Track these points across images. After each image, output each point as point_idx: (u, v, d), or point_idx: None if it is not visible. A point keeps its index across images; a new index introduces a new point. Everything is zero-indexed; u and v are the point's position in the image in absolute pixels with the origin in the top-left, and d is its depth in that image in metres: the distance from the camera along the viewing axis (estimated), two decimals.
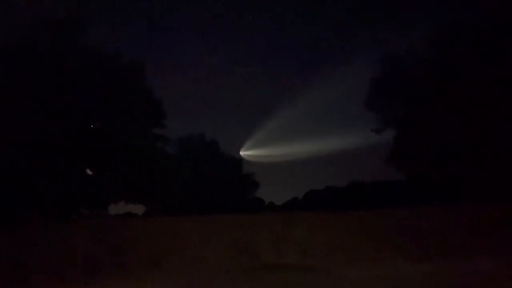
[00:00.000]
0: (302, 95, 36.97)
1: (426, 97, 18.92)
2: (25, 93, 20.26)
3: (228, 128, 41.92)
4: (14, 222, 15.82)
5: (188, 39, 43.24)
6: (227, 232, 14.46)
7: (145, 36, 40.58)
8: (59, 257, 12.69)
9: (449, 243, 15.39)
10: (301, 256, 14.06)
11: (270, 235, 14.51)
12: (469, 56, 17.87)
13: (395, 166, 20.68)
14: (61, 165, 19.77)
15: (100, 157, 22.11)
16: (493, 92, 17.10)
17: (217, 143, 30.29)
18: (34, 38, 20.79)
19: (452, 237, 15.82)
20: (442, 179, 20.26)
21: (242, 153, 35.84)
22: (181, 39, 43.47)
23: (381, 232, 14.80)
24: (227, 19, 44.16)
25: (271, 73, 45.91)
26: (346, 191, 35.86)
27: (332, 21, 40.68)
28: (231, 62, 44.93)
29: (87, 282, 11.71)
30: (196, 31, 43.26)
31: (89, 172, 22.61)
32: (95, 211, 25.61)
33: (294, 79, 51.35)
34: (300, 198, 40.05)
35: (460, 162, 18.46)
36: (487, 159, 17.75)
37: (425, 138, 18.79)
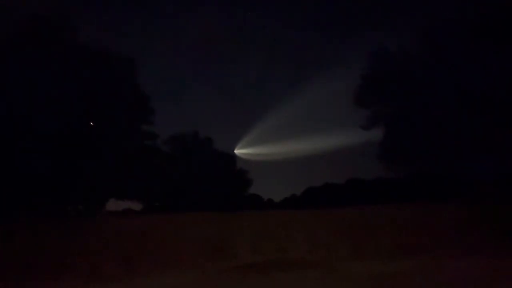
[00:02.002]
0: (297, 93, 36.68)
1: (415, 94, 18.52)
2: (15, 90, 20.31)
3: (222, 126, 41.99)
4: None
5: (182, 36, 43.11)
6: (203, 230, 14.29)
7: (139, 33, 40.48)
8: (26, 256, 12.60)
9: (438, 240, 15.21)
10: (279, 254, 13.85)
11: (247, 233, 14.31)
12: (459, 52, 17.40)
13: (385, 164, 20.29)
14: (46, 162, 19.73)
15: (88, 154, 22.05)
16: (483, 89, 16.63)
17: (211, 140, 30.14)
18: (22, 34, 20.71)
19: (441, 234, 15.62)
20: (430, 176, 19.91)
21: (237, 151, 35.61)
22: (175, 36, 43.40)
23: (361, 229, 14.53)
24: (222, 16, 43.87)
25: (263, 72, 45.79)
26: (344, 188, 35.57)
27: (322, 19, 40.27)
28: (223, 61, 45.00)
29: (52, 283, 11.58)
30: (191, 29, 43.13)
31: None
32: (91, 208, 25.76)
33: (288, 77, 51.14)
34: (299, 195, 39.90)
35: (448, 160, 18.04)
36: (476, 156, 17.29)
37: (414, 135, 18.40)
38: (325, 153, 38.28)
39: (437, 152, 18.23)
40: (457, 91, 17.48)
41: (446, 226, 16.56)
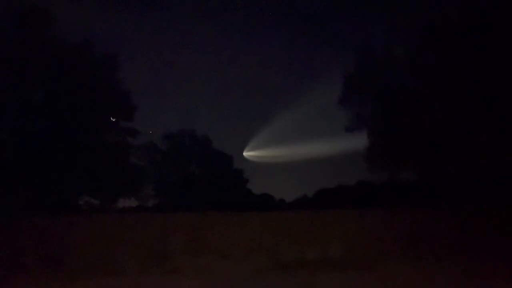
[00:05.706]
0: (299, 96, 35.57)
1: (402, 95, 16.79)
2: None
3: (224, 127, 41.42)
4: None
5: (185, 33, 42.77)
6: (140, 232, 13.33)
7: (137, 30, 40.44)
8: None
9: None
10: (218, 258, 12.67)
11: (184, 236, 13.19)
12: (446, 52, 15.61)
13: (372, 166, 18.61)
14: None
15: (72, 153, 21.93)
16: (470, 89, 14.73)
17: (208, 139, 29.20)
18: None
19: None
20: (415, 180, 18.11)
21: (245, 153, 34.91)
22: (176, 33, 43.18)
23: (305, 233, 13.12)
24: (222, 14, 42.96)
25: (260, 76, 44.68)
26: (354, 190, 34.38)
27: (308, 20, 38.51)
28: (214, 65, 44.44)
29: None
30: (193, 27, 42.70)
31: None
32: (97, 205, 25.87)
33: (289, 80, 49.82)
34: (311, 196, 39.03)
35: (435, 162, 16.06)
36: (464, 158, 15.21)
37: (399, 136, 16.62)
38: (335, 156, 36.92)
39: (423, 156, 16.38)
40: (445, 92, 15.68)
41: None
